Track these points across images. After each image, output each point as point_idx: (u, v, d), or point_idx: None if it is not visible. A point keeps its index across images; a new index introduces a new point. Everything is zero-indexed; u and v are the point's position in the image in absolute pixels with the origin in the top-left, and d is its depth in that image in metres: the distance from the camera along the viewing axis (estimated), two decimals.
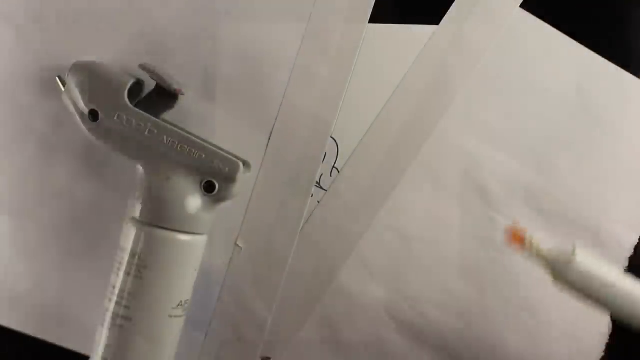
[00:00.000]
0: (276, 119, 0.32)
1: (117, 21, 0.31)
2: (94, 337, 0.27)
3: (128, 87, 0.27)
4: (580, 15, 0.33)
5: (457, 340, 0.33)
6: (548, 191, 0.32)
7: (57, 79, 0.28)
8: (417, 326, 0.32)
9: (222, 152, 0.27)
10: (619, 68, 0.32)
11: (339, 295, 0.32)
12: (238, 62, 0.31)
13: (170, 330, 0.27)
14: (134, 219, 0.27)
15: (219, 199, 0.27)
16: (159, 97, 0.29)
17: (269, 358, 0.32)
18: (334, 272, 0.32)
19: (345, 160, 0.32)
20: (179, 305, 0.27)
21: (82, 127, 0.27)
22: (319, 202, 0.32)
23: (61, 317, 0.32)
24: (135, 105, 0.27)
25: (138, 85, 0.28)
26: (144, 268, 0.26)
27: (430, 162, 0.32)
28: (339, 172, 0.32)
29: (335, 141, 0.32)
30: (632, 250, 0.33)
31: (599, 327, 0.33)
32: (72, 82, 0.27)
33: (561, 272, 0.24)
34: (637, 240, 0.33)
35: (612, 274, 0.24)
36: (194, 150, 0.27)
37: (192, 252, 0.27)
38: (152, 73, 0.28)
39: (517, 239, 0.24)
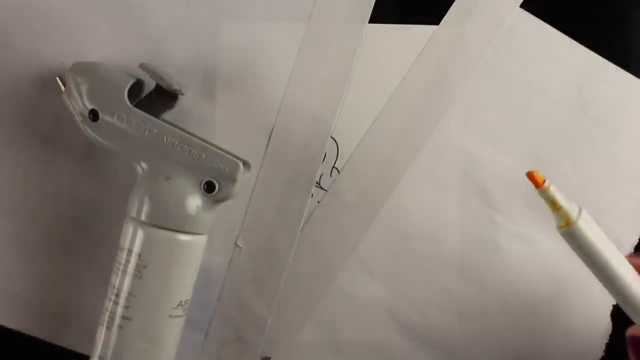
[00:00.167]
0: (276, 119, 0.32)
1: (117, 21, 0.31)
2: (94, 337, 0.27)
3: (128, 87, 0.27)
4: (580, 15, 0.33)
5: (457, 340, 0.33)
6: None
7: (57, 79, 0.28)
8: (417, 326, 0.32)
9: (222, 152, 0.27)
10: (619, 68, 0.32)
11: (339, 295, 0.32)
12: (238, 62, 0.31)
13: (170, 330, 0.27)
14: (134, 218, 0.27)
15: (219, 199, 0.27)
16: (159, 97, 0.29)
17: (269, 358, 0.32)
18: (334, 272, 0.32)
19: (345, 160, 0.32)
20: (179, 305, 0.27)
21: (82, 127, 0.27)
22: (319, 202, 0.32)
23: (61, 317, 0.32)
24: (135, 105, 0.27)
25: (138, 85, 0.28)
26: (144, 268, 0.26)
27: (430, 162, 0.32)
28: (339, 172, 0.32)
29: (335, 141, 0.32)
30: (632, 250, 0.33)
31: (599, 327, 0.33)
32: (72, 82, 0.27)
33: (564, 226, 0.25)
34: (637, 240, 0.33)
35: (606, 248, 0.25)
36: (194, 150, 0.27)
37: (192, 252, 0.27)
38: (152, 73, 0.28)
39: (536, 181, 0.24)
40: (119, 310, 0.26)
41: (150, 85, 0.29)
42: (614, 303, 0.32)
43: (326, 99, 0.32)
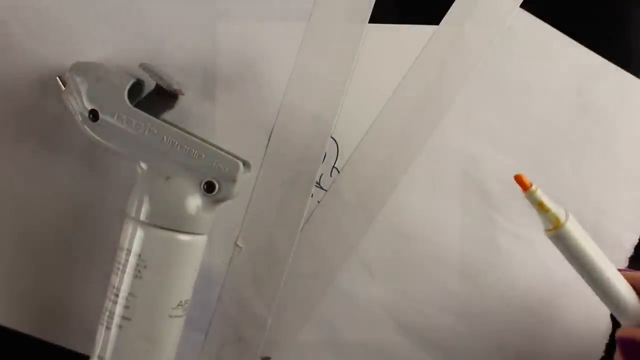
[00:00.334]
0: (276, 119, 0.32)
1: (117, 21, 0.31)
2: (94, 337, 0.27)
3: (128, 87, 0.27)
4: (580, 15, 0.33)
5: (457, 340, 0.33)
6: (548, 191, 0.32)
7: (57, 79, 0.28)
8: (417, 326, 0.32)
9: (222, 152, 0.27)
10: (619, 68, 0.32)
11: (339, 295, 0.32)
12: (238, 62, 0.31)
13: (170, 330, 0.27)
14: (134, 218, 0.27)
15: (219, 199, 0.27)
16: (159, 97, 0.29)
17: (269, 358, 0.32)
18: (334, 272, 0.32)
19: (345, 160, 0.32)
20: (179, 305, 0.27)
21: (82, 127, 0.27)
22: (319, 202, 0.32)
23: (61, 317, 0.32)
24: (135, 105, 0.27)
25: (138, 85, 0.28)
26: (144, 268, 0.26)
27: (430, 162, 0.32)
28: (339, 172, 0.32)
29: (335, 141, 0.32)
30: (632, 250, 0.33)
31: (599, 327, 0.33)
32: (72, 82, 0.27)
33: (552, 228, 0.25)
34: (637, 240, 0.33)
35: (592, 250, 0.25)
36: (194, 150, 0.27)
37: (192, 252, 0.27)
38: (152, 73, 0.28)
39: (523, 184, 0.25)
40: (119, 310, 0.26)
41: (150, 85, 0.29)
42: None
43: (326, 99, 0.32)
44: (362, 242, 0.32)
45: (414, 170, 0.32)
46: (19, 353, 0.32)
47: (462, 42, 0.32)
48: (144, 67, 0.28)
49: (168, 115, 0.30)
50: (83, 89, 0.27)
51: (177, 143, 0.27)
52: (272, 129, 0.32)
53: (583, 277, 0.26)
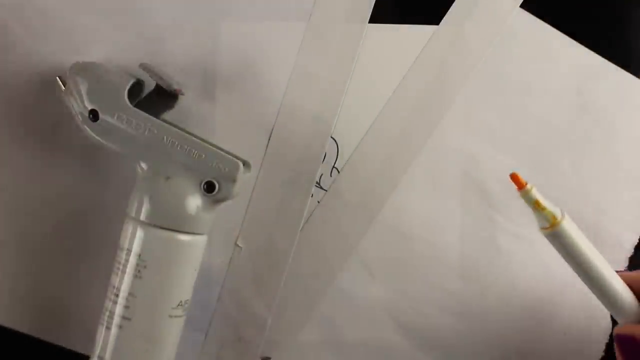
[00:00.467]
0: (276, 119, 0.32)
1: (117, 21, 0.31)
2: (94, 337, 0.27)
3: (128, 87, 0.27)
4: (580, 15, 0.33)
5: (457, 340, 0.33)
6: (548, 191, 0.32)
7: (57, 79, 0.28)
8: (417, 326, 0.32)
9: (222, 152, 0.27)
10: (619, 68, 0.32)
11: (339, 295, 0.32)
12: (238, 62, 0.31)
13: (170, 330, 0.27)
14: (134, 218, 0.27)
15: (219, 199, 0.27)
16: (159, 97, 0.29)
17: (269, 358, 0.32)
18: (334, 272, 0.32)
19: (345, 160, 0.32)
20: (179, 305, 0.27)
21: (82, 127, 0.27)
22: (319, 202, 0.32)
23: (61, 317, 0.32)
24: (135, 105, 0.27)
25: (138, 85, 0.28)
26: (144, 268, 0.26)
27: (430, 162, 0.32)
28: (339, 172, 0.32)
29: (335, 141, 0.32)
30: (632, 250, 0.33)
31: (599, 326, 0.33)
32: (72, 82, 0.27)
33: (542, 229, 0.25)
34: (637, 240, 0.33)
35: (588, 248, 0.25)
36: (194, 150, 0.27)
37: (192, 252, 0.27)
38: (152, 73, 0.28)
39: (519, 183, 0.25)
40: (119, 310, 0.26)
41: (150, 85, 0.29)
42: None
43: (326, 99, 0.32)
44: (362, 242, 0.32)
45: (414, 170, 0.32)
46: (19, 353, 0.32)
47: (462, 42, 0.32)
48: (144, 67, 0.28)
49: (168, 115, 0.30)
50: (83, 89, 0.27)
51: (177, 143, 0.27)
52: (272, 129, 0.32)
53: (579, 275, 0.26)
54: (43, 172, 0.32)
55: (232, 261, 0.32)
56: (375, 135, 0.32)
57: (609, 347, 0.33)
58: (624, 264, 0.33)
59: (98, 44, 0.31)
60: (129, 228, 0.27)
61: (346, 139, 0.32)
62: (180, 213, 0.27)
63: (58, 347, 0.32)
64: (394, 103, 0.32)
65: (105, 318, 0.27)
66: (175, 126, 0.27)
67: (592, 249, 0.25)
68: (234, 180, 0.27)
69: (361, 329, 0.32)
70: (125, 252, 0.27)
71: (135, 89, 0.28)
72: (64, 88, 0.28)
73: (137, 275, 0.26)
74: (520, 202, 0.25)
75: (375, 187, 0.32)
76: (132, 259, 0.26)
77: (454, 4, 0.32)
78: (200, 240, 0.28)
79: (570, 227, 0.25)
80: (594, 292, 0.26)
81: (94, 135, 0.27)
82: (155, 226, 0.26)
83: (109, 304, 0.27)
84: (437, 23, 0.32)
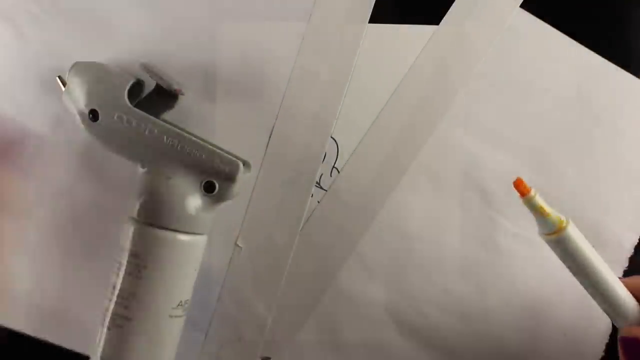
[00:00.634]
0: (276, 119, 0.32)
1: (117, 21, 0.31)
2: (94, 337, 0.27)
3: (128, 87, 0.27)
4: (580, 15, 0.33)
5: (457, 340, 0.33)
6: (548, 191, 0.32)
7: (57, 79, 0.28)
8: (417, 326, 0.32)
9: (222, 152, 0.27)
10: (619, 68, 0.32)
11: (339, 295, 0.32)
12: (238, 62, 0.31)
13: (170, 330, 0.27)
14: (134, 219, 0.27)
15: (219, 199, 0.27)
16: (159, 97, 0.29)
17: (269, 358, 0.32)
18: (334, 272, 0.32)
19: (345, 160, 0.32)
20: (179, 305, 0.27)
21: (82, 127, 0.27)
22: (319, 202, 0.32)
23: (61, 317, 0.32)
24: (135, 105, 0.27)
25: (138, 85, 0.28)
26: (144, 268, 0.26)
27: (430, 162, 0.32)
28: (339, 172, 0.32)
29: (335, 141, 0.32)
30: (632, 250, 0.33)
31: (599, 327, 0.33)
32: (72, 82, 0.27)
33: (546, 235, 0.25)
34: (637, 240, 0.33)
35: (592, 255, 0.25)
36: (194, 150, 0.27)
37: (192, 252, 0.27)
38: (152, 73, 0.28)
39: (522, 189, 0.25)
40: (119, 310, 0.26)
41: (150, 85, 0.29)
42: None
43: (326, 99, 0.32)
44: (362, 242, 0.32)
45: (414, 170, 0.32)
46: (19, 353, 0.32)
47: (462, 42, 0.32)
48: (144, 67, 0.28)
49: (168, 115, 0.30)
50: (83, 89, 0.27)
51: (177, 143, 0.27)
52: (272, 129, 0.32)
53: (581, 280, 0.26)
54: (43, 172, 0.32)
55: (232, 261, 0.32)
56: (375, 135, 0.32)
57: (608, 347, 0.32)
58: (624, 264, 0.33)
59: (98, 44, 0.31)
60: (129, 228, 0.27)
61: (346, 139, 0.32)
62: (180, 213, 0.27)
63: (58, 347, 0.32)
64: (394, 103, 0.32)
65: (105, 318, 0.27)
66: (175, 126, 0.27)
67: (596, 254, 0.25)
68: (234, 180, 0.27)
69: (361, 328, 0.32)
70: (125, 252, 0.27)
71: (135, 89, 0.28)
72: (64, 88, 0.28)
73: (137, 275, 0.26)
74: (520, 202, 0.25)
75: (375, 187, 0.32)
76: (132, 259, 0.26)
77: (454, 4, 0.32)
78: (200, 240, 0.28)
79: (575, 232, 0.25)
80: (596, 298, 0.26)
81: (94, 135, 0.27)
82: (155, 226, 0.26)
83: (109, 304, 0.27)
84: (437, 23, 0.32)
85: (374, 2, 0.31)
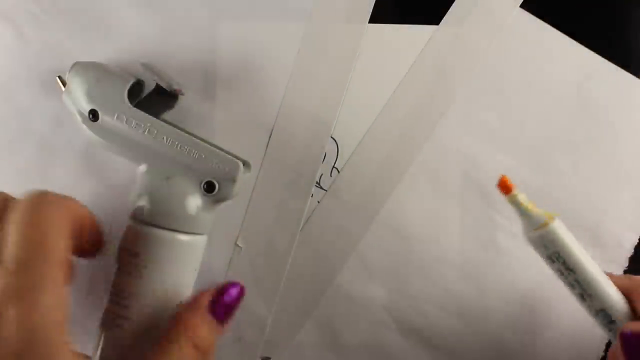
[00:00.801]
0: (276, 119, 0.32)
1: (117, 21, 0.31)
2: (94, 337, 0.27)
3: (128, 87, 0.27)
4: (580, 15, 0.33)
5: (457, 340, 0.33)
6: (548, 191, 0.32)
7: (57, 79, 0.28)
8: (417, 326, 0.32)
9: (222, 152, 0.27)
10: (619, 68, 0.32)
11: (339, 295, 0.32)
12: (238, 62, 0.31)
13: None
14: (134, 218, 0.27)
15: (219, 199, 0.27)
16: (159, 97, 0.29)
17: (269, 358, 0.32)
18: (334, 272, 0.32)
19: (345, 160, 0.32)
20: (179, 305, 0.27)
21: (82, 127, 0.27)
22: (319, 202, 0.32)
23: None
24: (135, 105, 0.27)
25: (138, 85, 0.28)
26: (144, 268, 0.26)
27: (430, 162, 0.32)
28: (339, 172, 0.32)
29: (335, 141, 0.32)
30: (632, 250, 0.33)
31: (598, 327, 0.33)
32: (72, 82, 0.27)
33: (533, 230, 0.25)
34: (637, 240, 0.33)
35: (579, 255, 0.25)
36: (194, 150, 0.27)
37: (192, 252, 0.27)
38: (152, 73, 0.28)
39: (505, 187, 0.25)
40: (119, 310, 0.26)
41: (150, 85, 0.29)
42: None
43: (326, 99, 0.32)
44: (362, 242, 0.32)
45: (413, 170, 0.32)
46: None
47: (462, 42, 0.32)
48: (144, 67, 0.28)
49: (168, 115, 0.30)
50: (83, 89, 0.27)
51: (177, 143, 0.27)
52: (272, 129, 0.32)
53: (568, 281, 0.26)
54: (43, 172, 0.32)
55: (232, 261, 0.32)
56: (375, 135, 0.32)
57: (608, 347, 0.32)
58: (624, 264, 0.33)
59: (98, 44, 0.31)
60: (129, 228, 0.27)
61: (346, 139, 0.32)
62: (180, 213, 0.27)
63: None
64: (393, 103, 0.32)
65: (105, 318, 0.27)
66: (175, 126, 0.27)
67: (583, 251, 0.25)
68: (234, 180, 0.27)
69: (361, 329, 0.32)
70: (125, 252, 0.27)
71: (135, 89, 0.28)
72: (64, 88, 0.28)
73: (137, 275, 0.26)
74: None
75: (375, 187, 0.32)
76: (132, 259, 0.26)
77: (454, 4, 0.32)
78: (200, 240, 0.28)
79: (561, 227, 0.25)
80: (583, 301, 0.26)
81: (94, 135, 0.27)
82: (155, 226, 0.26)
83: (109, 304, 0.27)
84: (437, 23, 0.32)
85: (374, 2, 0.31)
